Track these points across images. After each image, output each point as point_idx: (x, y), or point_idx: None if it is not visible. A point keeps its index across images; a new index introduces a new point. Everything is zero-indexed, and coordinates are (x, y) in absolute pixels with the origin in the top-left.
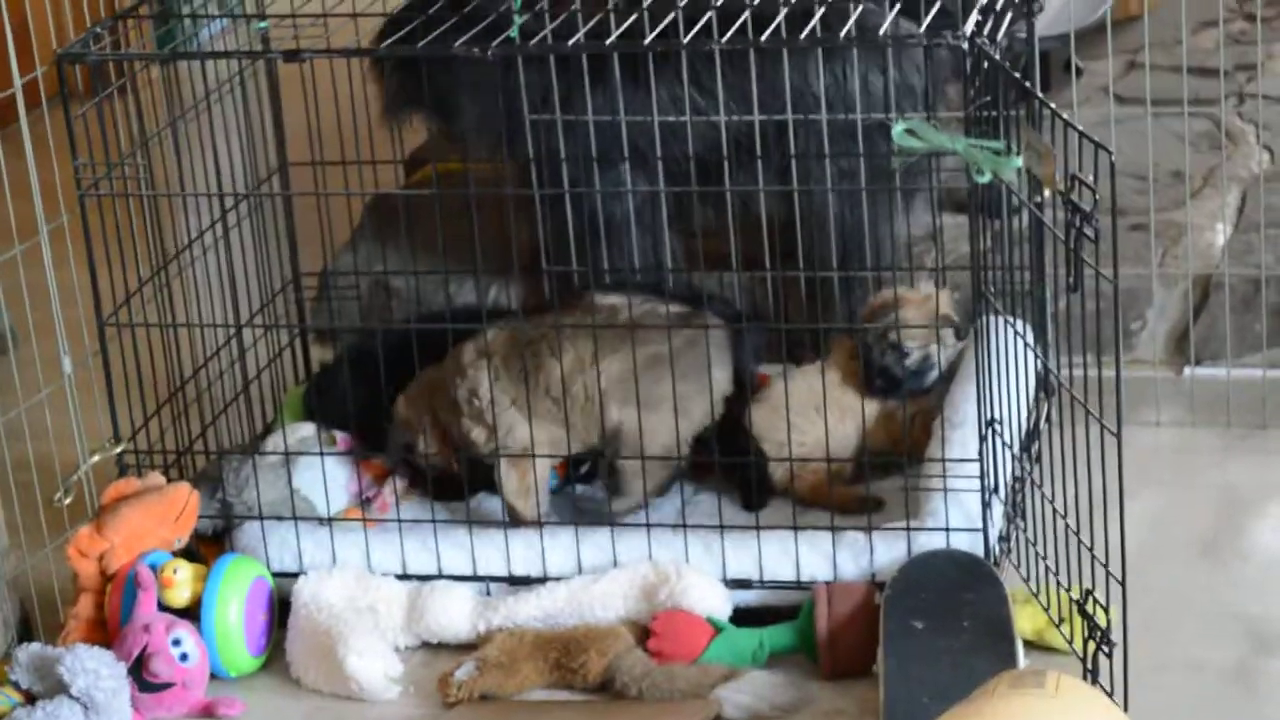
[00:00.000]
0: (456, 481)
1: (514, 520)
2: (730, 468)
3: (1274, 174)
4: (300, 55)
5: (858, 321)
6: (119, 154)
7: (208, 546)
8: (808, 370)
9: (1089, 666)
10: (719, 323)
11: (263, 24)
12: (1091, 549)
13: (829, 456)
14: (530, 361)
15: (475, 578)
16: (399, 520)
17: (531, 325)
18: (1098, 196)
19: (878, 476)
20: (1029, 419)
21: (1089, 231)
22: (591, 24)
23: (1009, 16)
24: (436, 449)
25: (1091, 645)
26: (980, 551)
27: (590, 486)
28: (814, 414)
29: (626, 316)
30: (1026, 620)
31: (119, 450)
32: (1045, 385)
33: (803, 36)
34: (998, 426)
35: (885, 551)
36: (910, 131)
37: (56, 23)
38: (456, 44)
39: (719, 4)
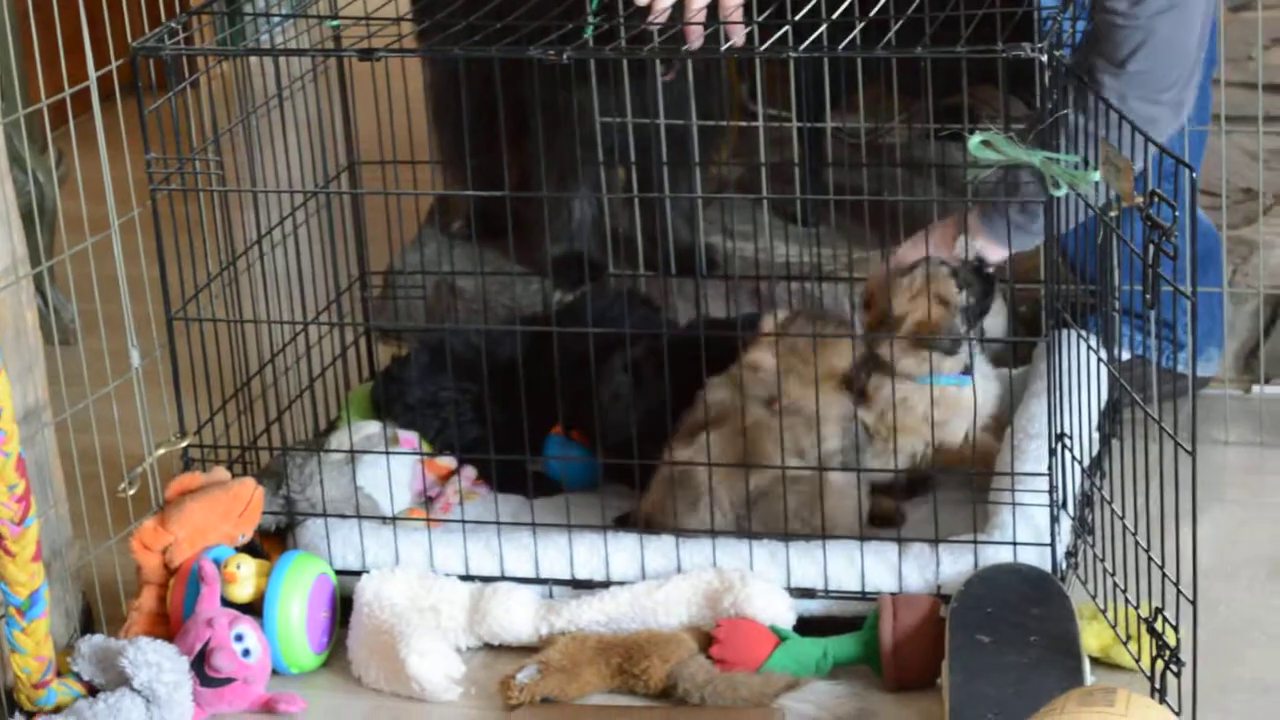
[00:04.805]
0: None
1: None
2: None
3: None
4: (374, 54)
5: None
6: (190, 149)
7: (271, 542)
8: None
9: (1156, 685)
10: None
11: (335, 23)
12: (1162, 566)
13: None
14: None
15: (538, 580)
16: (462, 521)
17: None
18: (1177, 213)
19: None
20: (1099, 433)
21: (1167, 248)
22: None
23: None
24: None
25: (1159, 664)
26: (1048, 566)
27: None
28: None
29: None
30: (1093, 637)
31: (184, 444)
32: (1115, 400)
33: (879, 48)
34: (1067, 440)
35: (951, 564)
36: (986, 143)
37: (131, 17)
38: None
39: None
